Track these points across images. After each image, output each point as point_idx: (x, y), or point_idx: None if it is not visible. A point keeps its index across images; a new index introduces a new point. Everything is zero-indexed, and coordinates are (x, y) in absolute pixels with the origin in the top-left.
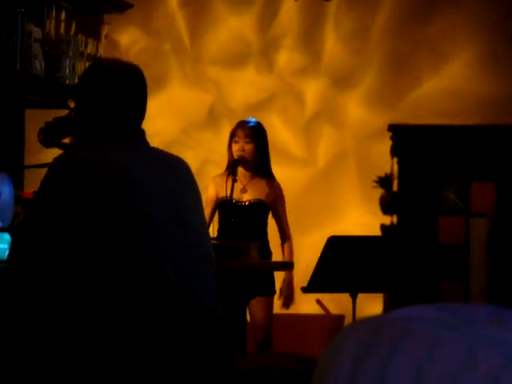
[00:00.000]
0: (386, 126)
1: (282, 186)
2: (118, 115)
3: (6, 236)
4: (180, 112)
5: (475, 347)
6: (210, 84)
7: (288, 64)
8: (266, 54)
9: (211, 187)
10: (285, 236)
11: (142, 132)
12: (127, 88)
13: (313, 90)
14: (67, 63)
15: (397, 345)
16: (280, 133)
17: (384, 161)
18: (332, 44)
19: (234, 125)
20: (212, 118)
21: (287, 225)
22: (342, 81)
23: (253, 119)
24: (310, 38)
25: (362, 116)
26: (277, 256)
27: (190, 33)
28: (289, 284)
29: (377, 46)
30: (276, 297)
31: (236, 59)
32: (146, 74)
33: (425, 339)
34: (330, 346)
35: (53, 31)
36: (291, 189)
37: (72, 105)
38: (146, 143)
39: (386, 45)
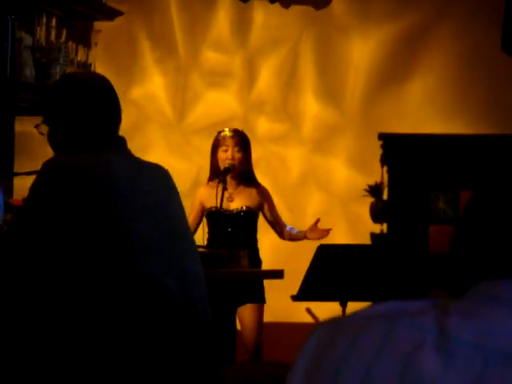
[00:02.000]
0: (367, 187)
1: (272, 249)
2: (95, 124)
3: None
4: None
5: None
6: (193, 153)
7: (269, 131)
8: (246, 121)
9: (196, 200)
10: (282, 225)
11: (124, 140)
12: (100, 96)
13: (295, 155)
14: (58, 70)
15: (351, 343)
16: None
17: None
18: (310, 107)
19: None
20: (197, 186)
21: (280, 218)
22: (323, 144)
23: (239, 130)
24: (288, 103)
25: (347, 177)
26: (267, 264)
27: (173, 103)
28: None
29: (356, 107)
30: (266, 305)
31: (218, 127)
32: (129, 145)
33: (376, 335)
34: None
35: (43, 38)
36: (283, 252)
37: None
38: (129, 151)
39: (365, 104)
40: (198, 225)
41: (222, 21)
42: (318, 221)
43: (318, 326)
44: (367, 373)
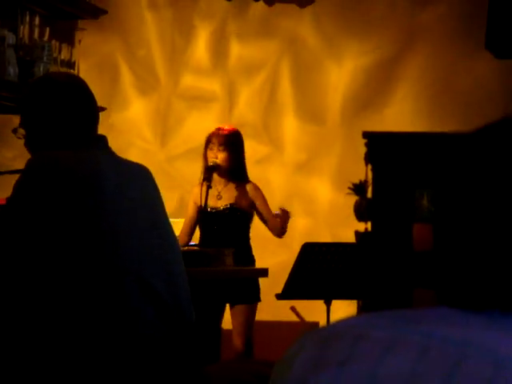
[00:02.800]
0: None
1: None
2: (73, 123)
3: None
4: None
5: (428, 347)
6: (177, 176)
7: (251, 154)
8: None
9: (191, 200)
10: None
11: (105, 138)
12: (76, 95)
13: (278, 177)
14: (41, 69)
15: (349, 353)
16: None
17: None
18: (292, 129)
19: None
20: (181, 210)
21: (272, 215)
22: (306, 165)
23: (228, 127)
24: (269, 125)
25: (332, 197)
26: (260, 263)
27: (154, 128)
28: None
29: (337, 127)
30: (259, 304)
31: (200, 151)
32: None
33: (377, 344)
34: (283, 357)
35: (26, 36)
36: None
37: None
38: (111, 150)
39: (347, 123)
40: (195, 224)
41: (200, 46)
42: (280, 211)
43: (306, 334)
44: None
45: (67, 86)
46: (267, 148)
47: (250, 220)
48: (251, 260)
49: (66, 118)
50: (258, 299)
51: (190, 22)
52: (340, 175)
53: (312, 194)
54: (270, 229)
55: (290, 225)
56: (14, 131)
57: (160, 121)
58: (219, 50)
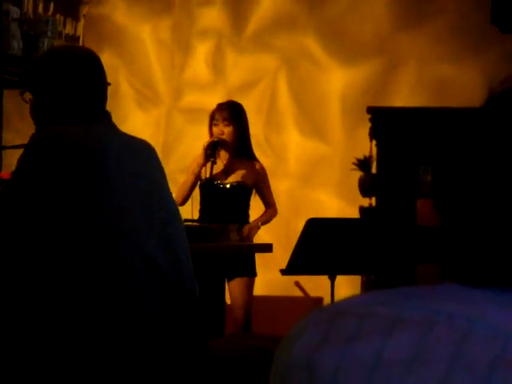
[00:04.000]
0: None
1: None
2: (83, 96)
3: None
4: None
5: (434, 323)
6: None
7: None
8: None
9: (194, 162)
10: (269, 206)
11: (109, 114)
12: (87, 70)
13: (283, 189)
14: (45, 43)
15: (355, 331)
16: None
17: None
18: (294, 141)
19: None
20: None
21: (273, 199)
22: (310, 176)
23: (232, 101)
24: (271, 138)
25: (337, 208)
26: (258, 238)
27: (156, 141)
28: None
29: (339, 136)
30: (256, 279)
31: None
32: None
33: (383, 321)
34: (288, 334)
35: (31, 11)
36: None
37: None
38: (115, 126)
39: (349, 132)
40: (191, 191)
41: (199, 62)
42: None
43: (312, 312)
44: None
45: (79, 58)
46: (270, 160)
47: (250, 197)
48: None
49: (75, 91)
50: (255, 274)
51: (189, 37)
52: (344, 186)
53: (317, 206)
54: (267, 212)
55: (295, 237)
56: (22, 93)
57: (159, 135)
58: (218, 65)
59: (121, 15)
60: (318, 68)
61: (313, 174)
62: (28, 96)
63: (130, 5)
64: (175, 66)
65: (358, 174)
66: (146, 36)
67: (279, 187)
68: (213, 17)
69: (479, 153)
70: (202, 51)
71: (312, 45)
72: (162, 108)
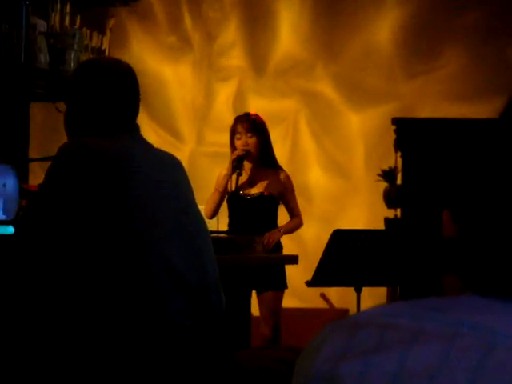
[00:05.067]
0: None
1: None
2: (115, 109)
3: (11, 229)
4: None
5: (457, 335)
6: None
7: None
8: None
9: (219, 178)
10: (294, 215)
11: (138, 127)
12: (122, 82)
13: (307, 228)
14: (72, 56)
15: (377, 342)
16: None
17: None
18: (318, 179)
19: None
20: None
21: (298, 210)
22: (335, 215)
23: (249, 112)
24: (294, 176)
25: None
26: (287, 249)
27: None
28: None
29: (362, 175)
30: (286, 291)
31: (224, 207)
32: None
33: (405, 333)
34: (309, 345)
35: (57, 24)
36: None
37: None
38: (144, 138)
39: (372, 171)
40: (219, 205)
41: (221, 102)
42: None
43: (334, 322)
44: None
45: (113, 71)
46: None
47: (278, 207)
48: (280, 246)
49: (107, 103)
50: (286, 286)
51: (209, 79)
52: (370, 222)
53: None
54: (292, 221)
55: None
56: (55, 103)
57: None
58: (238, 107)
59: (141, 56)
60: (336, 111)
61: (338, 213)
62: (61, 106)
63: (150, 46)
64: (196, 107)
65: (386, 212)
66: (167, 77)
67: (305, 227)
68: (233, 58)
69: (494, 163)
70: (222, 92)
71: (328, 89)
72: (185, 150)
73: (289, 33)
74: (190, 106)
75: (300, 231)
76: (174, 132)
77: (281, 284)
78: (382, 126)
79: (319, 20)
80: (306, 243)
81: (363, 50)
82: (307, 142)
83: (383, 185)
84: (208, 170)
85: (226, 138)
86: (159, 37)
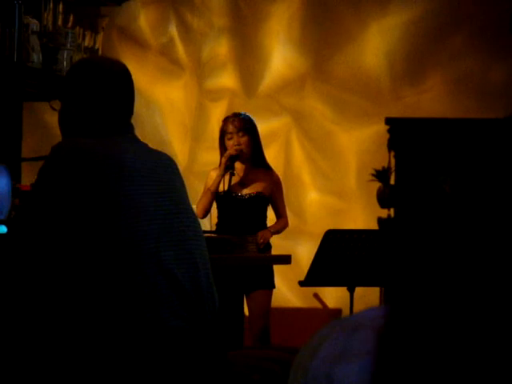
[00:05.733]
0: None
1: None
2: (109, 109)
3: (3, 228)
4: None
5: None
6: None
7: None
8: None
9: (209, 179)
10: (281, 217)
11: (132, 127)
12: (117, 82)
13: (304, 249)
14: (65, 55)
15: (374, 344)
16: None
17: None
18: (312, 200)
19: None
20: None
21: (285, 211)
22: None
23: (239, 112)
24: (289, 197)
25: None
26: (276, 249)
27: None
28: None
29: (357, 194)
30: (275, 291)
31: None
32: None
33: None
34: (306, 345)
35: (50, 23)
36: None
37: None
38: (138, 138)
39: (367, 189)
40: (210, 205)
41: (212, 122)
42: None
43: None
44: None
45: (108, 70)
46: (290, 221)
47: (267, 207)
48: (269, 246)
49: (102, 102)
50: (274, 286)
51: (201, 101)
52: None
53: None
54: (280, 222)
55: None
56: (50, 101)
57: None
58: None
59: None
60: (327, 130)
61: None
62: (56, 104)
63: (140, 68)
64: (188, 127)
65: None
66: (159, 98)
67: (301, 248)
68: (224, 78)
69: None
70: (214, 113)
71: (318, 109)
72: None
73: (279, 53)
74: (181, 127)
75: (294, 250)
76: (166, 150)
77: (269, 283)
78: (373, 144)
79: (308, 40)
80: (298, 261)
81: (351, 70)
82: (300, 162)
83: (376, 184)
84: (201, 190)
85: (217, 157)
86: (150, 59)
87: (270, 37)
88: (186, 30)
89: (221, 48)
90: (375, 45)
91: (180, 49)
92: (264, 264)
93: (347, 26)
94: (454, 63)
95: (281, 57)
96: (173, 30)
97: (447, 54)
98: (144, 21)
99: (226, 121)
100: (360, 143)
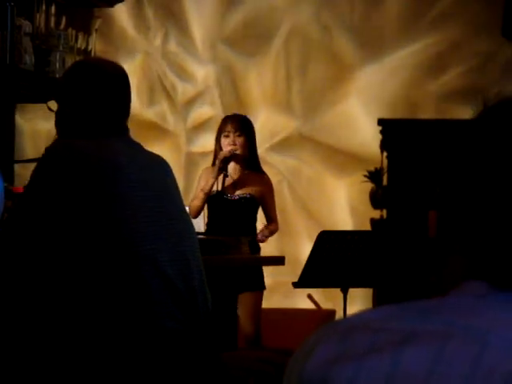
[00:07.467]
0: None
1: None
2: (105, 111)
3: None
4: None
5: (449, 335)
6: None
7: (273, 282)
8: None
9: (202, 179)
10: (272, 221)
11: (127, 129)
12: (113, 84)
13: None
14: (57, 57)
15: (370, 346)
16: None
17: None
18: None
19: None
20: None
21: (276, 215)
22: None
23: (238, 113)
24: (285, 249)
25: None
26: (265, 251)
27: None
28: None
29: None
30: (265, 292)
31: None
32: None
33: (397, 336)
34: (300, 347)
35: (43, 25)
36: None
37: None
38: (133, 139)
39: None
40: (203, 205)
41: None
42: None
43: (326, 326)
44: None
45: (105, 72)
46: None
47: (257, 210)
48: (258, 248)
49: (98, 104)
50: (264, 287)
51: (188, 159)
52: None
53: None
54: (271, 226)
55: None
56: (47, 102)
57: None
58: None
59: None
60: (318, 177)
61: None
62: (53, 105)
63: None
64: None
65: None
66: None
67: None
68: (212, 134)
69: (481, 162)
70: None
71: (309, 158)
72: None
73: (265, 101)
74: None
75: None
76: None
77: (260, 284)
78: (366, 190)
79: (293, 86)
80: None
81: (337, 116)
82: (292, 210)
83: (369, 185)
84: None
85: None
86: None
87: (254, 87)
88: (168, 90)
89: (204, 108)
90: (357, 89)
91: (165, 107)
92: (257, 265)
93: (331, 72)
94: (442, 103)
95: (268, 104)
96: (156, 86)
97: (435, 93)
98: (134, 23)
99: (225, 119)
100: (352, 189)
